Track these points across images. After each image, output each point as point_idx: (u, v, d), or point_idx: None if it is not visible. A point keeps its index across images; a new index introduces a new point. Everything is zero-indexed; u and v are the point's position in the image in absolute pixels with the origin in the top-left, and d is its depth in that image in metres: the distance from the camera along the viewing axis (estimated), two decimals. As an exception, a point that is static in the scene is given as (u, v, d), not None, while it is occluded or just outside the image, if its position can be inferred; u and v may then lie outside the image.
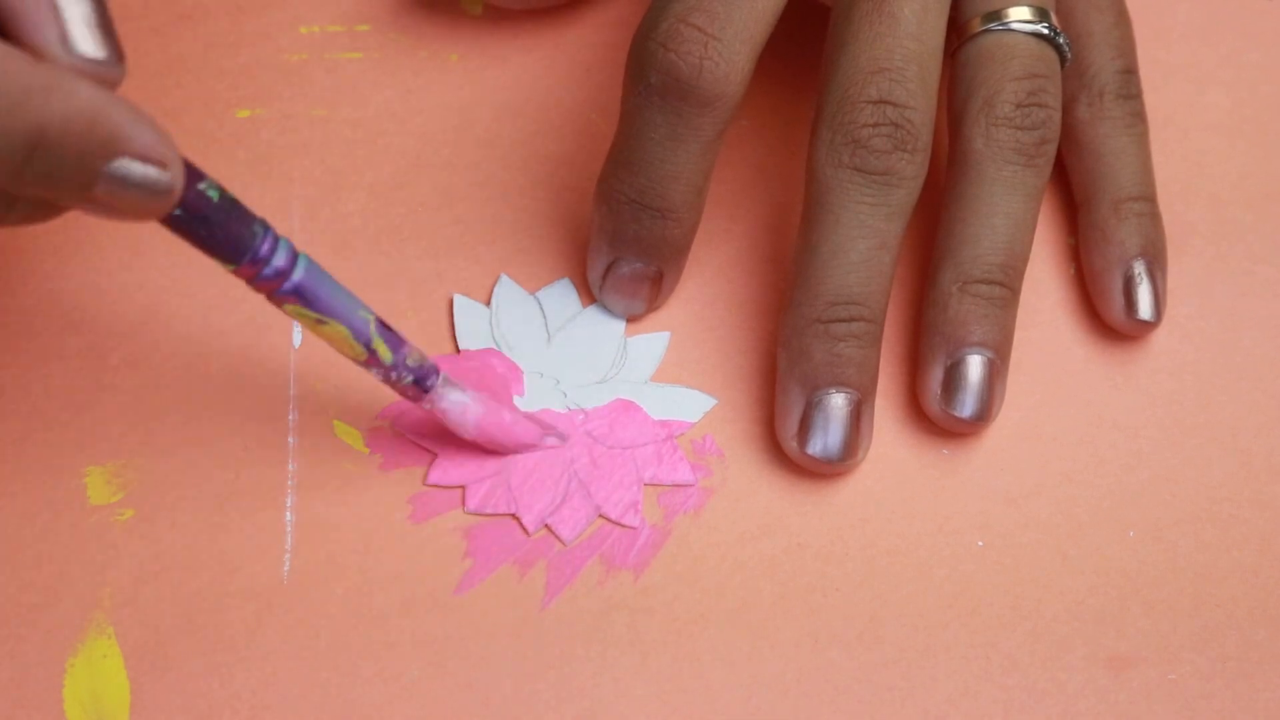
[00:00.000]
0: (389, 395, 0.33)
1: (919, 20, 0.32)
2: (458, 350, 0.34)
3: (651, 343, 0.34)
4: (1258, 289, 0.36)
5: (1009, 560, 0.32)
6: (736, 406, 0.34)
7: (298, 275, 0.27)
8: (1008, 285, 0.33)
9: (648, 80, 0.31)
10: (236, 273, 0.27)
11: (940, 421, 0.33)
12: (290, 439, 0.33)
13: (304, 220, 0.36)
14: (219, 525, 0.32)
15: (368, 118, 0.37)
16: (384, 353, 0.29)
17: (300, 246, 0.35)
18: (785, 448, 0.32)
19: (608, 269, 0.34)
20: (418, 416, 0.33)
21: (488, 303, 0.35)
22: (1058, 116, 0.33)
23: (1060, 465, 0.33)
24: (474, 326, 0.34)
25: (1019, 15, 0.34)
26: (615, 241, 0.33)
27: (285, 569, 0.31)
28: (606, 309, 0.35)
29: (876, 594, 0.32)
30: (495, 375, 0.33)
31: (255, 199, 0.36)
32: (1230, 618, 0.32)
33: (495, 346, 0.34)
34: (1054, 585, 0.32)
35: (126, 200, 0.24)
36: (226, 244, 0.26)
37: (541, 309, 0.35)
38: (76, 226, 0.35)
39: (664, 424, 0.33)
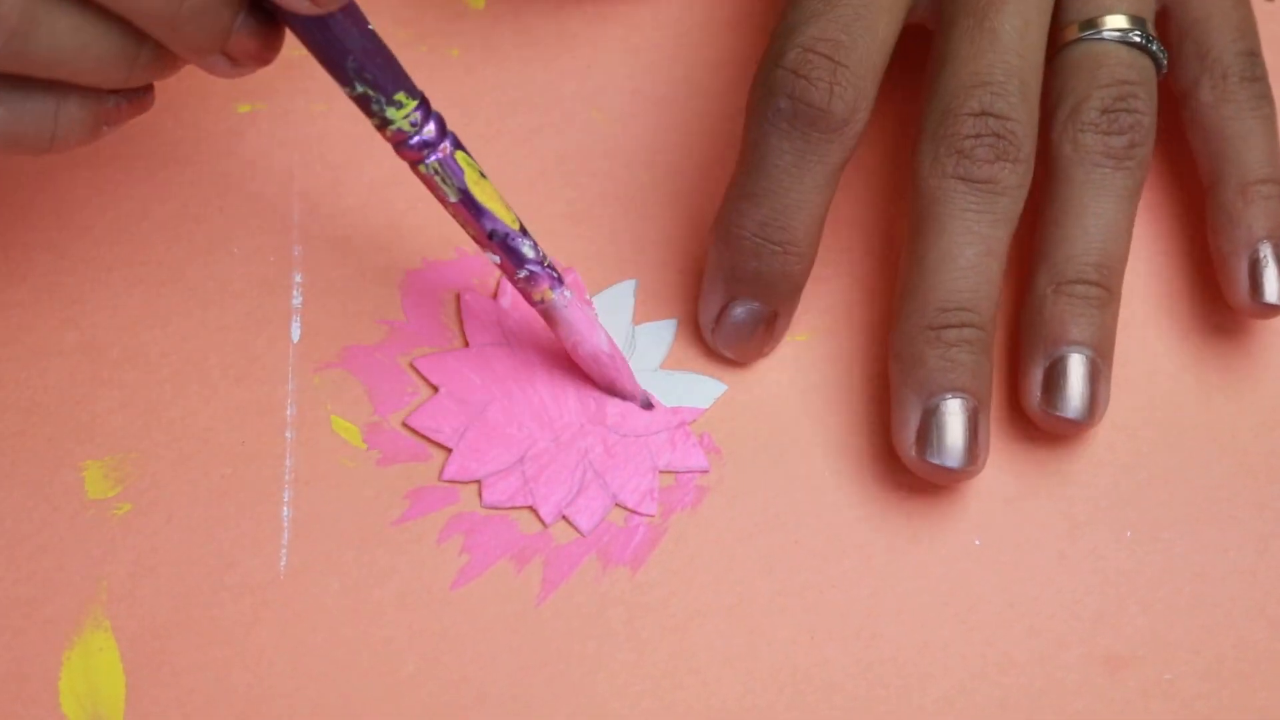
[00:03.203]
0: (389, 394, 0.33)
1: (1020, 35, 0.32)
2: (466, 344, 0.34)
3: (660, 330, 0.34)
4: (1257, 289, 0.36)
5: (1006, 559, 0.32)
6: (736, 404, 0.34)
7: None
8: (1103, 285, 0.32)
9: (777, 105, 0.31)
10: (411, 122, 0.28)
11: (1043, 424, 0.32)
12: (288, 434, 0.33)
13: (304, 215, 0.36)
14: (216, 519, 0.32)
15: (368, 113, 0.37)
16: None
17: (300, 242, 0.35)
18: (904, 458, 0.32)
19: (721, 311, 0.33)
20: (430, 409, 0.33)
21: (494, 297, 0.35)
22: (1148, 120, 0.33)
23: (1058, 465, 0.33)
24: (482, 321, 0.34)
25: (1113, 24, 0.34)
26: (732, 279, 0.33)
27: (282, 563, 0.31)
28: (721, 353, 0.34)
29: (873, 592, 0.32)
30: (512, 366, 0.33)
31: (255, 194, 0.36)
32: (1227, 618, 0.32)
33: (504, 340, 0.34)
34: (1051, 584, 0.32)
35: None
36: (403, 78, 0.28)
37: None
38: (74, 221, 0.35)
39: (676, 411, 0.33)
